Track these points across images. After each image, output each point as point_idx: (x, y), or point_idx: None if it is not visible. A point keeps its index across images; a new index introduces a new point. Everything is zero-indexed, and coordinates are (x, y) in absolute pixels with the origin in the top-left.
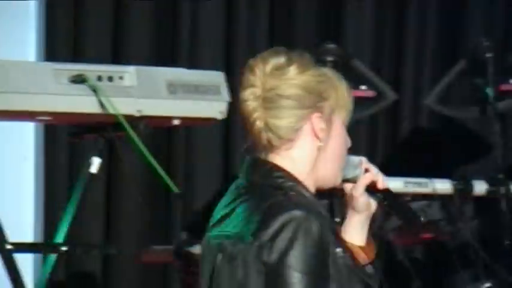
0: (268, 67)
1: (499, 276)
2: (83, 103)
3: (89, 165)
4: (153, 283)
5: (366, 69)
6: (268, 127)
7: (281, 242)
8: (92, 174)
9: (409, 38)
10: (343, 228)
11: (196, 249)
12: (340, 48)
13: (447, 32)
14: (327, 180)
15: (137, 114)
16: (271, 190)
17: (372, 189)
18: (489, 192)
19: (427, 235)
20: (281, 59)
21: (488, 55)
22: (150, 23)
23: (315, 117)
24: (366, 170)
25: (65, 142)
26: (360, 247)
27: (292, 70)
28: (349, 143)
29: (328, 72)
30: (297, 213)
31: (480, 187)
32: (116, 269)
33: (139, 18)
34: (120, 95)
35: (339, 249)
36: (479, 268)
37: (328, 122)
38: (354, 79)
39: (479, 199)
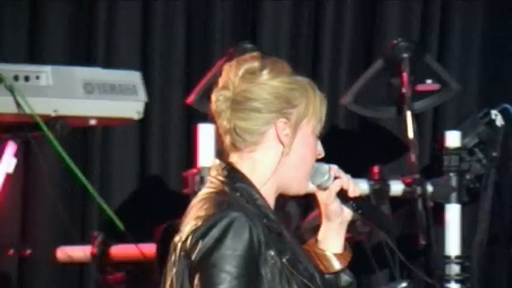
0: (242, 70)
1: (414, 276)
2: None
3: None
4: (69, 283)
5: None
6: (233, 129)
7: (209, 240)
8: (8, 175)
9: (325, 37)
10: (319, 236)
11: (114, 250)
12: (256, 47)
13: (363, 31)
14: (290, 187)
15: (53, 114)
16: (219, 189)
17: (343, 197)
18: (405, 192)
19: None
20: (255, 64)
21: (405, 55)
22: (66, 23)
23: (280, 123)
24: (336, 178)
25: None
26: (335, 254)
27: (264, 75)
28: (322, 153)
29: (303, 81)
30: (230, 213)
31: (396, 187)
32: (32, 269)
33: (56, 18)
34: (36, 94)
35: (272, 252)
36: (395, 268)
37: (294, 129)
38: None
39: (395, 199)
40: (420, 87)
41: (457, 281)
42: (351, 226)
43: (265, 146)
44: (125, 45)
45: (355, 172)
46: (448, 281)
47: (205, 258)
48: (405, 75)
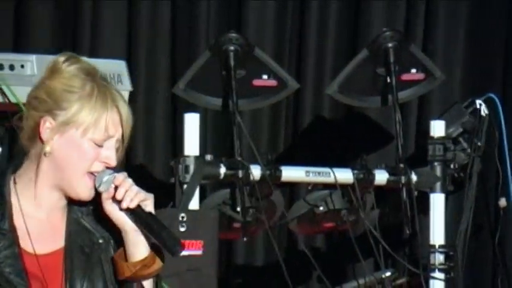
0: (45, 69)
1: (399, 265)
2: None
3: None
4: None
5: (268, 58)
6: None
7: None
8: None
9: (311, 26)
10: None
11: None
12: (242, 37)
13: (349, 21)
14: (68, 190)
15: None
16: None
17: (122, 207)
18: (390, 181)
19: (329, 224)
20: (52, 63)
21: (390, 44)
22: (52, 12)
23: (43, 121)
24: (116, 187)
25: None
26: (142, 260)
27: (47, 74)
28: (108, 160)
29: (86, 87)
30: None
31: (381, 177)
32: None
33: (41, 7)
34: (21, 83)
35: None
36: (379, 257)
37: (59, 132)
38: (255, 68)
39: (380, 188)
40: (405, 77)
41: (441, 270)
42: (336, 215)
43: (35, 144)
44: (111, 35)
45: (340, 161)
46: (433, 270)
47: None
48: (390, 64)
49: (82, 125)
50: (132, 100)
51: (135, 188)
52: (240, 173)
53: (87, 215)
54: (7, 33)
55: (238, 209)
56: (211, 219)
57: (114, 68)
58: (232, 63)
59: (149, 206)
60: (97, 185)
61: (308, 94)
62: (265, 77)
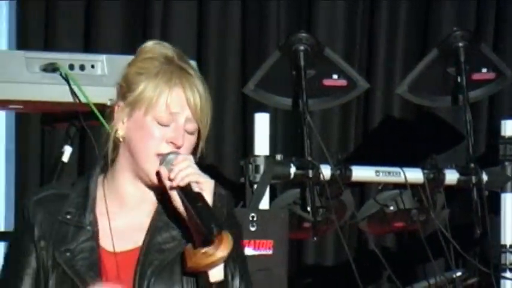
0: None
1: (469, 265)
2: (55, 92)
3: (60, 154)
4: None
5: (338, 58)
6: None
7: None
8: (64, 163)
9: (381, 26)
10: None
11: None
12: (312, 36)
13: (419, 20)
14: (141, 174)
15: (109, 103)
16: None
17: (172, 186)
18: (460, 181)
19: (399, 224)
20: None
21: (460, 44)
22: (122, 12)
23: (116, 107)
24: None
25: (37, 131)
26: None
27: (130, 61)
28: (175, 141)
29: (156, 69)
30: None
31: (451, 176)
32: None
33: (112, 7)
34: (91, 83)
35: (42, 243)
36: (450, 257)
37: (127, 114)
38: (326, 68)
39: (450, 188)
40: (476, 76)
41: None
42: (406, 215)
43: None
44: (181, 35)
45: (410, 161)
46: (504, 270)
47: None
48: (461, 64)
49: (144, 103)
50: None
51: (191, 170)
52: (310, 173)
53: (173, 210)
54: (77, 34)
55: (308, 208)
56: (281, 219)
57: None
58: (302, 63)
59: (206, 190)
60: (160, 164)
61: (378, 94)
62: (335, 76)
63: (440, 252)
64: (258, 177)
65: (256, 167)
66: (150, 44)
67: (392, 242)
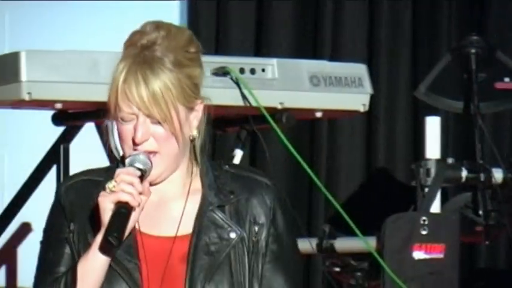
0: None
1: None
2: (225, 95)
3: (231, 157)
4: None
5: (510, 60)
6: None
7: None
8: None
9: None
10: None
11: (340, 242)
12: (484, 39)
13: None
14: None
15: (279, 107)
16: None
17: None
18: None
19: None
20: None
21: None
22: (293, 15)
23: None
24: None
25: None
26: None
27: None
28: (135, 137)
29: (121, 62)
30: None
31: None
32: None
33: (282, 11)
34: (262, 87)
35: (73, 225)
36: None
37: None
38: (497, 71)
39: None
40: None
41: None
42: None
43: None
44: (351, 38)
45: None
46: None
47: None
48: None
49: (109, 102)
50: (374, 103)
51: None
52: (482, 177)
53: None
54: (249, 37)
55: (480, 212)
56: (452, 223)
57: (355, 71)
58: (473, 66)
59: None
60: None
61: None
62: (507, 79)
63: None
64: (429, 181)
65: (428, 171)
66: (135, 29)
67: None
